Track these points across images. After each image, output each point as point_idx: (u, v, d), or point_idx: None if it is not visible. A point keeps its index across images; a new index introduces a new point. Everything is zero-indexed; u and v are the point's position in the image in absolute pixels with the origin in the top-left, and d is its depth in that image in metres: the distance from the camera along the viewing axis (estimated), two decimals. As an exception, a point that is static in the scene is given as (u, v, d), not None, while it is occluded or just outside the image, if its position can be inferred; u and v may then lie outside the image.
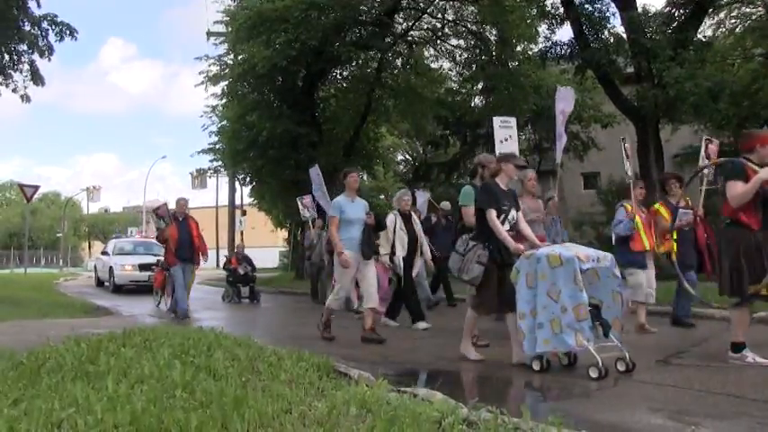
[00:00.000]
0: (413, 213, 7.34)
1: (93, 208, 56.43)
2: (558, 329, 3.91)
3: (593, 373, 3.80)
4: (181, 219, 8.57)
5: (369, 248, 5.92)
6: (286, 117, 16.26)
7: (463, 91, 20.70)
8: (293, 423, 2.35)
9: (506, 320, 4.58)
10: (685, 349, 4.98)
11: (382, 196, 25.32)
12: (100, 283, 17.11)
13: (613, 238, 6.28)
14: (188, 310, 8.73)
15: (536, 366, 4.13)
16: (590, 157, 20.00)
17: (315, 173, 11.26)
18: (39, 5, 12.15)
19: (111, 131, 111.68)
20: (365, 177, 23.72)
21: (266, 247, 34.18)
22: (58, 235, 46.88)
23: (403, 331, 6.58)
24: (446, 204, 9.77)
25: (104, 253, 17.38)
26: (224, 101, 18.34)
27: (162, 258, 11.10)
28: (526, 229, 4.67)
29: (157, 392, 2.67)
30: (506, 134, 7.66)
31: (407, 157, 27.67)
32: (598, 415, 3.03)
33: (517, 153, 7.06)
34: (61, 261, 42.62)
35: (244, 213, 28.16)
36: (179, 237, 8.35)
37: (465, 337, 4.70)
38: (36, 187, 19.45)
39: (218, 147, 19.81)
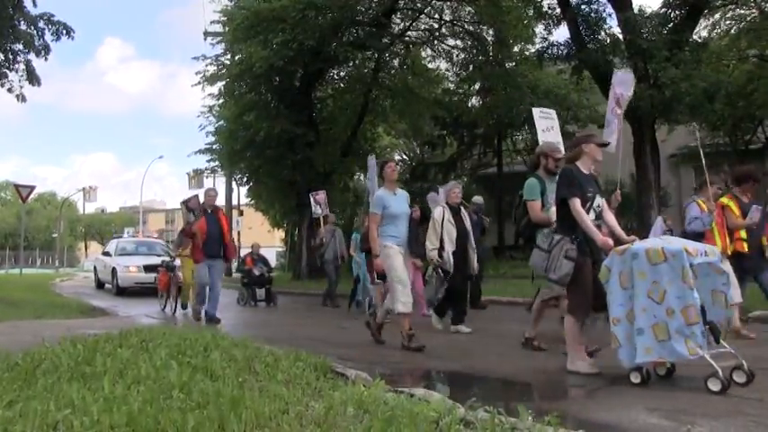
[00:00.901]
0: (461, 207, 6.87)
1: (90, 208, 56.48)
2: (663, 336, 3.43)
3: (715, 386, 3.29)
4: (210, 211, 7.98)
5: (416, 245, 5.45)
6: (283, 117, 16.27)
7: (460, 91, 20.75)
8: (290, 423, 2.35)
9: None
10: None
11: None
12: (100, 285, 16.32)
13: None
14: (201, 311, 8.08)
15: (635, 379, 3.61)
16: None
17: (372, 162, 10.63)
18: (35, 4, 12.14)
19: (109, 131, 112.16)
20: (362, 177, 23.74)
21: (263, 247, 34.07)
22: (54, 235, 46.79)
23: (398, 331, 6.55)
24: (478, 199, 9.40)
25: (106, 253, 16.57)
26: (221, 101, 18.36)
27: (167, 259, 10.72)
28: (612, 219, 4.16)
29: (154, 393, 2.66)
30: (548, 124, 7.35)
31: (404, 157, 27.70)
32: (595, 415, 3.03)
33: (561, 142, 6.74)
34: (57, 261, 42.48)
35: (241, 213, 28.12)
36: (208, 230, 7.75)
37: (570, 349, 4.05)
38: (32, 187, 19.38)
39: (215, 147, 19.81)
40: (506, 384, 4.10)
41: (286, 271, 22.75)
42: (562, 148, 5.65)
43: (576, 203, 3.91)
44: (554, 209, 4.59)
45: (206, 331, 5.01)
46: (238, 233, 26.86)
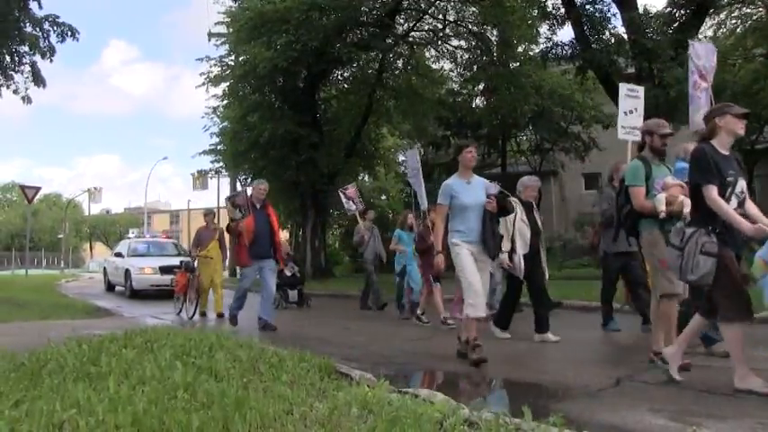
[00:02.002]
0: (533, 203, 6.05)
1: (95, 209, 56.62)
2: None
3: None
4: (259, 206, 7.13)
5: (493, 243, 4.60)
6: (287, 118, 16.31)
7: (464, 92, 20.74)
8: (295, 424, 2.35)
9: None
10: (688, 350, 4.96)
11: (384, 197, 25.33)
12: (111, 287, 15.45)
13: None
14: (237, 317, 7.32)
15: None
16: (591, 157, 20.01)
17: (412, 156, 10.11)
18: (40, 6, 12.26)
19: (113, 133, 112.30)
20: (366, 178, 23.77)
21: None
22: (60, 236, 46.97)
23: (402, 331, 6.55)
24: None
25: (117, 254, 15.56)
26: (225, 102, 18.41)
27: (185, 259, 9.94)
28: (755, 208, 3.51)
29: (159, 393, 2.67)
30: (633, 105, 6.70)
31: (408, 157, 27.64)
32: (599, 415, 3.02)
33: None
34: (62, 262, 42.68)
35: (245, 215, 28.12)
36: (256, 228, 6.92)
37: (738, 364, 3.38)
38: (37, 188, 19.51)
39: (219, 148, 19.87)
40: (511, 385, 4.09)
41: (290, 272, 22.74)
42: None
43: (712, 191, 3.32)
44: (660, 196, 4.04)
45: (210, 332, 5.02)
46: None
